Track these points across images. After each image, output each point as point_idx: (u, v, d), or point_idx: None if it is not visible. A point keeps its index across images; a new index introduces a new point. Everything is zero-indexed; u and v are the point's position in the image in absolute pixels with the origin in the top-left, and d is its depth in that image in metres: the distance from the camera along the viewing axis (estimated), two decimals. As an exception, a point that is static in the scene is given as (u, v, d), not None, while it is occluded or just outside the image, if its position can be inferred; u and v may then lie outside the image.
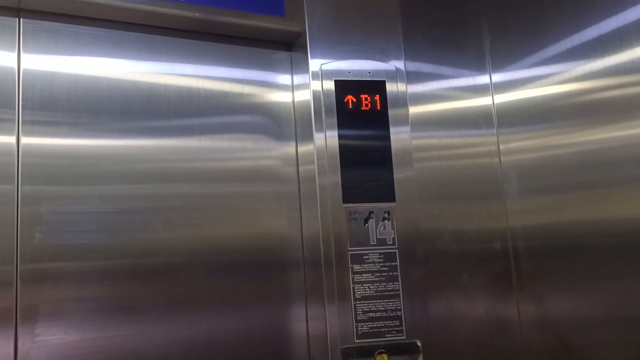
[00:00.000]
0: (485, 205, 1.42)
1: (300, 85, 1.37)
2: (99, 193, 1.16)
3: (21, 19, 1.17)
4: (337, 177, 1.26)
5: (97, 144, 1.18)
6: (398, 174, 1.29)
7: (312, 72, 1.31)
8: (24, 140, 1.13)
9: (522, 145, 1.40)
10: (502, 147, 1.46)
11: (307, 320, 1.30)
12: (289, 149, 1.38)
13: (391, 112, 1.32)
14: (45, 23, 1.18)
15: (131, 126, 1.22)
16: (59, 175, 1.14)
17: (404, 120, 1.33)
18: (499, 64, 1.48)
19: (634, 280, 1.10)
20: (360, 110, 1.30)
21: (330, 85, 1.30)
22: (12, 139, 1.12)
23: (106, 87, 1.21)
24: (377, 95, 1.32)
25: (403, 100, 1.34)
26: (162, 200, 1.22)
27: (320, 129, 1.28)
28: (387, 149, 1.30)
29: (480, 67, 1.50)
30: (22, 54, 1.16)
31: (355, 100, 1.30)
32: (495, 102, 1.48)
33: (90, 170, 1.17)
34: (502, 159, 1.45)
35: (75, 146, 1.16)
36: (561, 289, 1.29)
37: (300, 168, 1.36)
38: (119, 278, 1.15)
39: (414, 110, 1.37)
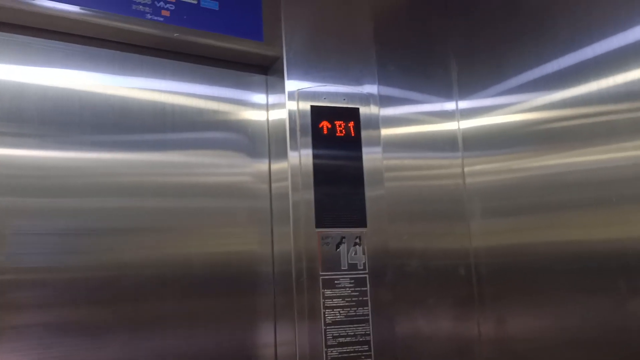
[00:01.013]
0: (450, 225, 1.46)
1: (275, 104, 1.38)
2: (66, 206, 1.13)
3: (-10, 32, 1.13)
4: (310, 195, 1.27)
5: (65, 157, 1.15)
6: (370, 199, 1.32)
7: (289, 97, 1.32)
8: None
9: (485, 168, 1.45)
10: (466, 169, 1.51)
11: (275, 345, 1.30)
12: (262, 166, 1.38)
13: (364, 135, 1.35)
14: (15, 36, 1.14)
15: (102, 140, 1.20)
16: (23, 186, 1.10)
17: (376, 144, 1.36)
18: (465, 92, 1.53)
19: (589, 303, 1.16)
20: (335, 136, 1.32)
21: (306, 110, 1.31)
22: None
23: (77, 100, 1.18)
24: (352, 122, 1.34)
25: (375, 125, 1.37)
26: (132, 214, 1.20)
27: (294, 149, 1.29)
28: (360, 175, 1.32)
29: (447, 94, 1.55)
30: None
31: (330, 126, 1.32)
32: (461, 127, 1.54)
33: (58, 183, 1.13)
34: (467, 180, 1.50)
35: (43, 158, 1.13)
36: (520, 310, 1.34)
37: (273, 185, 1.37)
38: (83, 302, 1.12)
39: (385, 132, 1.40)
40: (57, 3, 1.13)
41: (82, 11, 1.15)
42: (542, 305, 1.28)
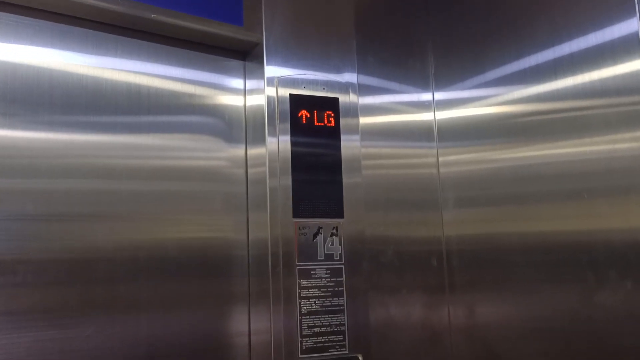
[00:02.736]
0: (424, 214, 1.48)
1: (253, 90, 1.36)
2: (35, 188, 1.09)
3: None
4: (288, 182, 1.26)
5: (34, 137, 1.11)
6: (347, 188, 1.31)
7: (268, 83, 1.30)
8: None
9: (459, 159, 1.47)
10: (441, 159, 1.53)
11: (249, 334, 1.29)
12: (239, 151, 1.36)
13: (343, 123, 1.34)
14: (-19, 10, 1.09)
15: (73, 120, 1.15)
16: None
17: (355, 132, 1.35)
18: (442, 84, 1.54)
19: (558, 293, 1.19)
20: (314, 126, 1.31)
21: (285, 97, 1.30)
22: None
23: (47, 79, 1.14)
24: (331, 112, 1.33)
25: (354, 114, 1.36)
26: (104, 197, 1.16)
27: (273, 135, 1.27)
28: (338, 163, 1.32)
29: (424, 85, 1.56)
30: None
31: (308, 115, 1.31)
32: (436, 118, 1.55)
33: (26, 164, 1.09)
34: (441, 170, 1.52)
35: (10, 138, 1.08)
36: (490, 299, 1.36)
37: (250, 170, 1.35)
38: (51, 289, 1.09)
39: (363, 120, 1.40)
40: (27, -23, 1.08)
41: (55, -13, 1.10)
42: (511, 295, 1.30)
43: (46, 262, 1.09)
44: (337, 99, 1.35)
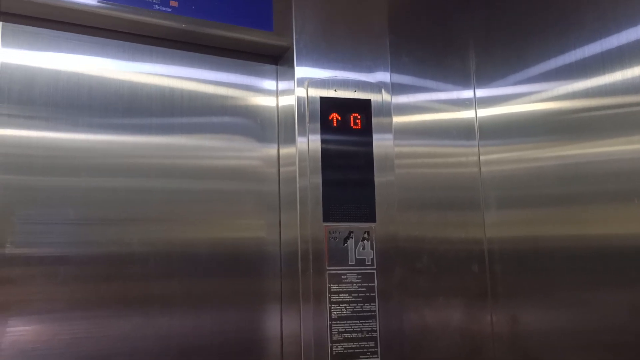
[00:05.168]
0: (463, 215, 1.44)
1: (285, 91, 1.37)
2: (76, 185, 1.15)
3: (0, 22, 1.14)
4: (318, 181, 1.25)
5: (74, 138, 1.17)
6: (380, 189, 1.29)
7: (298, 89, 1.30)
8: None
9: (503, 157, 1.43)
10: (482, 158, 1.48)
11: (281, 338, 1.29)
12: (271, 150, 1.38)
13: (375, 122, 1.32)
14: (26, 27, 1.15)
15: (110, 122, 1.20)
16: (32, 165, 1.13)
17: (387, 131, 1.33)
18: (484, 81, 1.50)
19: (607, 302, 1.13)
20: (345, 129, 1.30)
21: (315, 101, 1.29)
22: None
23: (87, 85, 1.19)
24: (363, 114, 1.31)
25: (387, 113, 1.34)
26: (140, 195, 1.20)
27: (303, 134, 1.27)
28: (370, 167, 1.30)
29: (465, 83, 1.52)
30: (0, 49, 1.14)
31: (340, 118, 1.30)
32: (478, 116, 1.51)
33: (66, 163, 1.15)
34: (483, 169, 1.48)
35: (52, 139, 1.15)
36: (535, 307, 1.31)
37: (282, 169, 1.36)
38: (90, 286, 1.14)
39: (398, 119, 1.38)
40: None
41: (91, 2, 1.14)
42: (558, 303, 1.25)
43: (87, 252, 1.14)
44: (369, 100, 1.33)
